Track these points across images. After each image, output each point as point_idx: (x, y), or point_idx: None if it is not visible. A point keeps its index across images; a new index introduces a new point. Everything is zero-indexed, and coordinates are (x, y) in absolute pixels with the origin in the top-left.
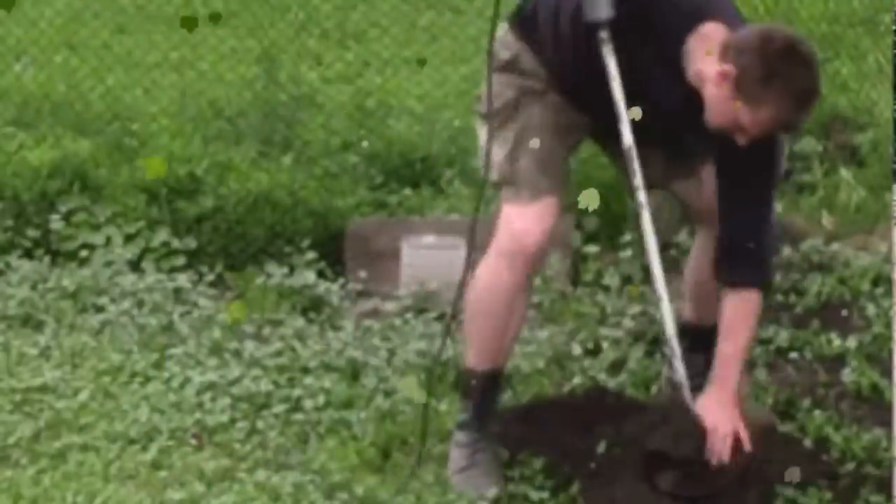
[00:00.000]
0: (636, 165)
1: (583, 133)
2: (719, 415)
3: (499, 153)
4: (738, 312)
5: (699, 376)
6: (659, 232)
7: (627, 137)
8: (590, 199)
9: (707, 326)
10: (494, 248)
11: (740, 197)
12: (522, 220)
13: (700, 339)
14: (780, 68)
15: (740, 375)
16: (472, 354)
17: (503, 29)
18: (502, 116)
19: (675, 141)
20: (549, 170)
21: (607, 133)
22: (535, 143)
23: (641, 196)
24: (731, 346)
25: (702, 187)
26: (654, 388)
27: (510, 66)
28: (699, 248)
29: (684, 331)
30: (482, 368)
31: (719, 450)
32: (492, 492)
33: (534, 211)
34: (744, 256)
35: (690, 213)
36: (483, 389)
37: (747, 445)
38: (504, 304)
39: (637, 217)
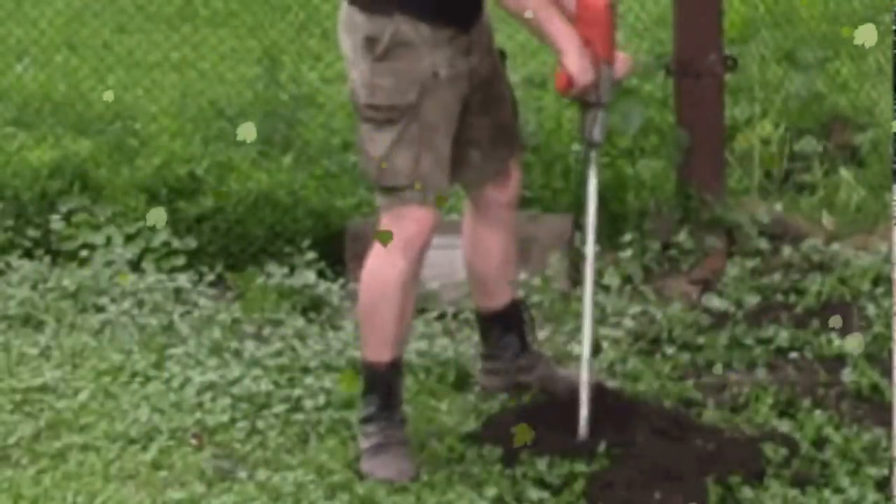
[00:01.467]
0: (594, 162)
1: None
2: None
3: (405, 157)
4: None
5: (520, 357)
6: (659, 232)
7: (598, 132)
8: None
9: (501, 309)
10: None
11: None
12: (421, 212)
13: (504, 323)
14: None
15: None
16: (372, 348)
17: (360, 19)
18: (406, 118)
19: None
20: (446, 167)
21: (474, 105)
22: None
23: (593, 196)
24: None
25: (514, 169)
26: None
27: (394, 48)
28: (477, 240)
29: (487, 322)
30: (386, 359)
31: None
32: (409, 472)
33: (431, 208)
34: None
35: (481, 207)
36: (388, 380)
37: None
38: (402, 292)
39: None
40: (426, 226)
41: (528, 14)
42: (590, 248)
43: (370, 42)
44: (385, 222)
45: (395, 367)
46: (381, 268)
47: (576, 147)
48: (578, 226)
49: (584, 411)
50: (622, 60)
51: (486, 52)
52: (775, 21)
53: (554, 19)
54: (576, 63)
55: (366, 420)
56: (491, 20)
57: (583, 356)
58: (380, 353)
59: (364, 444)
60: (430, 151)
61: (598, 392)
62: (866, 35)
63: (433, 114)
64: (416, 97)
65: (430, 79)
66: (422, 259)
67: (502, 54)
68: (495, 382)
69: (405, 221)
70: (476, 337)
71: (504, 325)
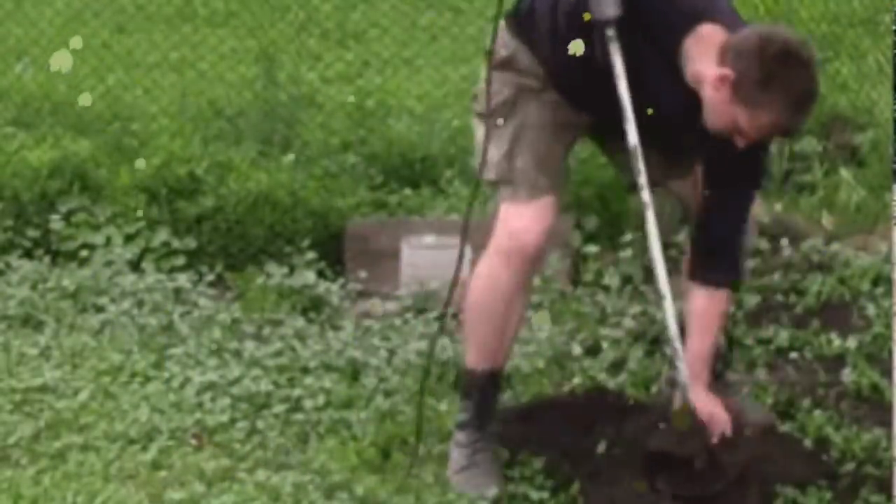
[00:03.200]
0: (641, 164)
1: (580, 131)
2: (710, 406)
3: (496, 152)
4: (709, 310)
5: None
6: (659, 232)
7: (633, 136)
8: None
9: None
10: (493, 247)
11: (724, 200)
12: (520, 219)
13: None
14: (779, 72)
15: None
16: (472, 354)
17: (500, 27)
18: (499, 114)
19: (673, 140)
20: (546, 168)
21: (607, 131)
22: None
23: (646, 195)
24: (703, 344)
25: (698, 186)
26: (654, 388)
27: (507, 64)
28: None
29: (684, 330)
30: (482, 368)
31: (722, 432)
32: (491, 492)
33: (532, 210)
34: (720, 257)
35: (687, 211)
36: (482, 389)
37: (742, 437)
38: (503, 303)
39: (641, 216)
40: (533, 230)
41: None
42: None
43: (489, 52)
44: (497, 227)
45: (493, 377)
46: (485, 276)
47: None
48: (578, 226)
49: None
50: None
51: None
52: (775, 21)
53: (710, 365)
54: None
55: (459, 426)
56: None
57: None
58: (477, 361)
59: (454, 453)
60: (527, 150)
61: (599, 392)
62: None
63: (533, 114)
64: (512, 95)
65: (537, 86)
66: (530, 271)
67: None
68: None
69: (507, 225)
70: None
71: None
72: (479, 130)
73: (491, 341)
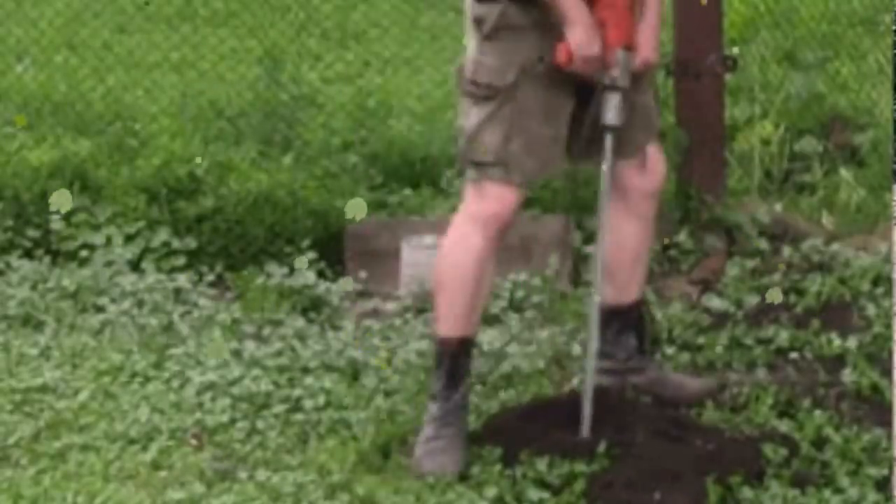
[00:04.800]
0: (609, 146)
1: (568, 117)
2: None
3: (494, 134)
4: None
5: (633, 358)
6: (659, 232)
7: (612, 115)
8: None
9: (626, 305)
10: (466, 214)
11: None
12: (504, 192)
13: (625, 319)
14: None
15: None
16: (443, 322)
17: (469, 2)
18: (501, 97)
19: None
20: (536, 154)
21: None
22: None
23: (607, 180)
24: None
25: (644, 168)
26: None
27: (500, 29)
28: (614, 227)
29: (609, 315)
30: (453, 335)
31: None
32: (451, 469)
33: (515, 188)
34: None
35: (620, 191)
36: (454, 357)
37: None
38: (477, 267)
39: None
40: (508, 205)
41: None
42: (601, 240)
43: (477, 23)
44: (469, 198)
45: (464, 345)
46: (458, 243)
47: None
48: (579, 226)
49: (587, 409)
50: (646, 51)
51: None
52: (775, 21)
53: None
54: (578, 36)
55: (431, 397)
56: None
57: (589, 348)
58: (448, 329)
59: (425, 426)
60: (521, 134)
61: (599, 392)
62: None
63: (531, 98)
64: (514, 79)
65: (534, 62)
66: (500, 238)
67: None
68: (604, 381)
69: (487, 199)
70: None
71: (623, 324)
72: (473, 110)
73: (463, 307)
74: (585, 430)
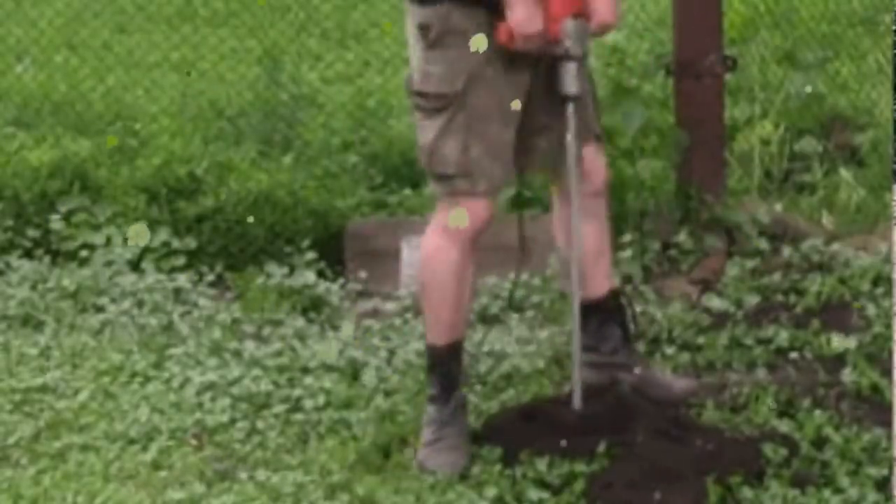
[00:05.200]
0: (572, 116)
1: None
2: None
3: (452, 145)
4: None
5: (619, 352)
6: (659, 232)
7: (570, 85)
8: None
9: (599, 297)
10: (438, 227)
11: None
12: (473, 203)
13: (604, 311)
14: None
15: None
16: (432, 331)
17: (413, 7)
18: (454, 107)
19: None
20: (503, 158)
21: (539, 92)
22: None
23: (572, 151)
24: None
25: (594, 158)
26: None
27: (445, 35)
28: (568, 224)
29: (586, 310)
30: (442, 343)
31: None
32: (455, 468)
33: (484, 198)
34: None
35: (566, 197)
36: (446, 363)
37: None
38: (456, 279)
39: (636, 215)
40: (479, 216)
41: None
42: (576, 211)
43: (423, 29)
44: (439, 210)
45: (453, 351)
46: (434, 256)
47: None
48: None
49: (576, 376)
50: (603, 14)
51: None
52: (775, 21)
53: None
54: (518, 14)
55: (429, 400)
56: None
57: (574, 322)
58: (436, 337)
59: (424, 429)
60: (480, 141)
61: (599, 392)
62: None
63: (484, 103)
64: (463, 86)
65: (482, 66)
66: (474, 246)
67: None
68: (592, 376)
69: (456, 203)
70: (476, 336)
71: (603, 316)
72: (427, 122)
73: (448, 316)
74: (577, 400)
